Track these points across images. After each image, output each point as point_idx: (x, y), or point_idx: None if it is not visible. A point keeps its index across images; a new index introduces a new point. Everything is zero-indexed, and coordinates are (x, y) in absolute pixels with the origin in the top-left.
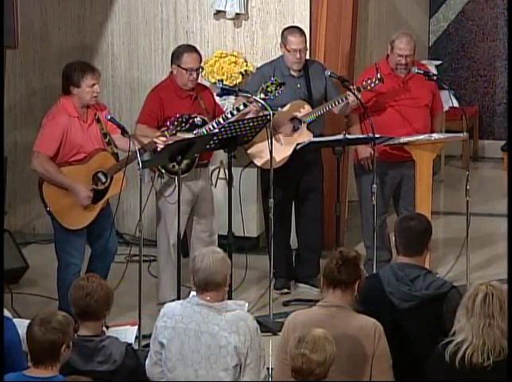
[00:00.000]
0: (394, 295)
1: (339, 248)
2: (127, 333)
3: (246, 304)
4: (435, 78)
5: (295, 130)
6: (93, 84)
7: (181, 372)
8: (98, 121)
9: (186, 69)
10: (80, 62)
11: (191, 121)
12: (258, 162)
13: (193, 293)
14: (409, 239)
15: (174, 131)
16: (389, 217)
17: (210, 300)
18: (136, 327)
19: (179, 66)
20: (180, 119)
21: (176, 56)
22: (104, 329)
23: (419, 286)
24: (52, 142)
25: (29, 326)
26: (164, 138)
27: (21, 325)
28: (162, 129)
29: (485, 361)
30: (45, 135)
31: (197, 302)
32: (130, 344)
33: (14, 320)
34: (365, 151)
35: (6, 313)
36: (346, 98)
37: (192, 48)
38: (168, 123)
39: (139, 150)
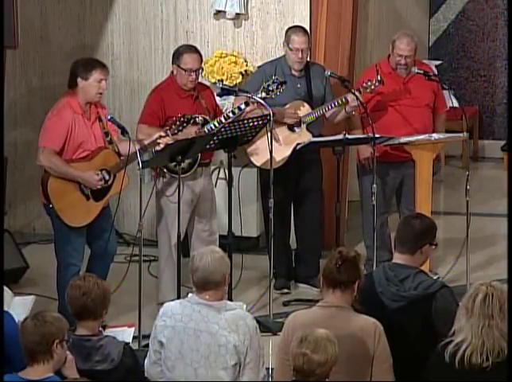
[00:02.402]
0: (384, 295)
1: (339, 248)
2: (124, 334)
3: (244, 306)
4: (434, 78)
5: (293, 131)
6: (101, 79)
7: (181, 371)
8: (100, 119)
9: (185, 70)
10: (91, 58)
11: (192, 121)
12: (257, 162)
13: (191, 295)
14: (405, 236)
15: (176, 131)
16: (391, 217)
17: (209, 299)
18: (133, 328)
19: (178, 66)
20: (182, 119)
21: (176, 56)
22: (101, 329)
23: (408, 286)
24: (58, 136)
25: (22, 324)
26: (166, 139)
27: (23, 302)
28: (165, 128)
29: (484, 362)
30: (50, 130)
31: (196, 301)
32: (128, 343)
33: (16, 298)
34: (366, 151)
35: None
36: (345, 98)
37: (192, 49)
38: (170, 123)
39: (139, 150)
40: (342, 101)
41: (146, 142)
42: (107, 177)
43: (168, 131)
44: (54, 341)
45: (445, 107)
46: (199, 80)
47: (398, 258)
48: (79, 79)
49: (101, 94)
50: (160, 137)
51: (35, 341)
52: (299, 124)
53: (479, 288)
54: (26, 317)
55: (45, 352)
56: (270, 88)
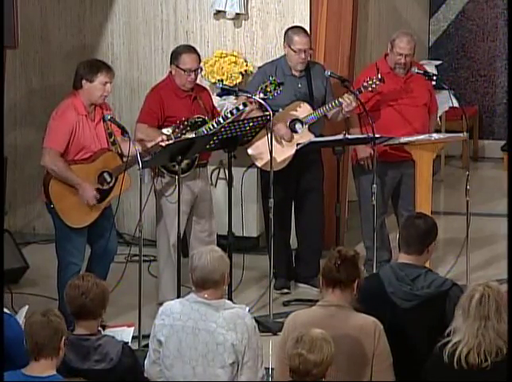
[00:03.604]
0: (396, 295)
1: (338, 247)
2: (123, 334)
3: (247, 308)
4: (435, 78)
5: (295, 131)
6: (106, 82)
7: (179, 369)
8: (104, 120)
9: (184, 70)
10: (97, 59)
11: (195, 124)
12: (259, 163)
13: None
14: (411, 237)
15: (179, 135)
16: (388, 218)
17: (208, 297)
18: (132, 328)
19: (177, 66)
20: (185, 123)
21: (174, 57)
22: (100, 329)
23: (420, 285)
24: (62, 138)
25: (29, 320)
26: (168, 143)
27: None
28: (166, 129)
29: (483, 362)
30: (55, 131)
31: (195, 300)
32: (127, 343)
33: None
34: (364, 151)
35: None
36: (341, 100)
37: (190, 49)
38: (173, 126)
39: (141, 153)
40: (335, 104)
41: (149, 145)
42: (109, 179)
43: (172, 135)
44: (62, 337)
45: (437, 108)
46: (198, 82)
47: (405, 258)
48: (83, 81)
49: (105, 96)
50: (163, 140)
51: (49, 335)
52: (301, 124)
53: (475, 289)
54: (32, 312)
55: (55, 347)
56: (268, 89)
